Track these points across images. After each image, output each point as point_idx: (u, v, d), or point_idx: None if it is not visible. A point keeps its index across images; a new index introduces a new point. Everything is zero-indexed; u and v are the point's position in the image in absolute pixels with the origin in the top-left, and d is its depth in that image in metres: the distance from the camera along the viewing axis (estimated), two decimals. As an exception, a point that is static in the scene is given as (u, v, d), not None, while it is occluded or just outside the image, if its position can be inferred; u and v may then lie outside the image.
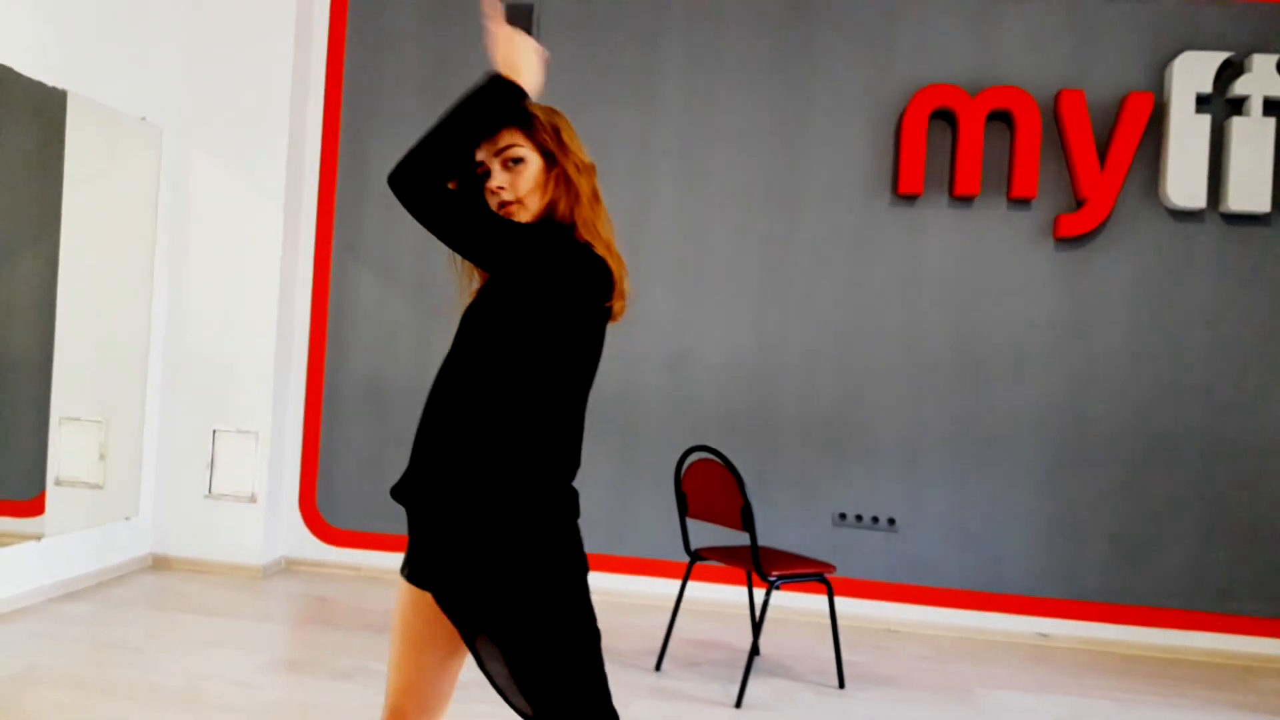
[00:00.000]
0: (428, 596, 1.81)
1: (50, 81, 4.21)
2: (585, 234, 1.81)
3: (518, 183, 1.79)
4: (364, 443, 5.11)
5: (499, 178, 1.79)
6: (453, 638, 1.85)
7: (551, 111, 1.85)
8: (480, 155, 1.80)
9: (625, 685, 3.71)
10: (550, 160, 1.80)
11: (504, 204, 1.80)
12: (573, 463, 1.85)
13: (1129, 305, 4.64)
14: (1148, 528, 4.60)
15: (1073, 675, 4.18)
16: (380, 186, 5.06)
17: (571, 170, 1.81)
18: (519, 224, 1.79)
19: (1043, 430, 4.63)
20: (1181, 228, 4.62)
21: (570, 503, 1.82)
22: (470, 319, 1.87)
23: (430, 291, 5.03)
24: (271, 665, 3.79)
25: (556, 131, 1.81)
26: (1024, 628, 4.63)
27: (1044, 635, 4.62)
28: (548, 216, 1.81)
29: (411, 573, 1.83)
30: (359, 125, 5.12)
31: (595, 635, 1.79)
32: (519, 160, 1.78)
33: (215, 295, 4.96)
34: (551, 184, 1.80)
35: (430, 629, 1.84)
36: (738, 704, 3.54)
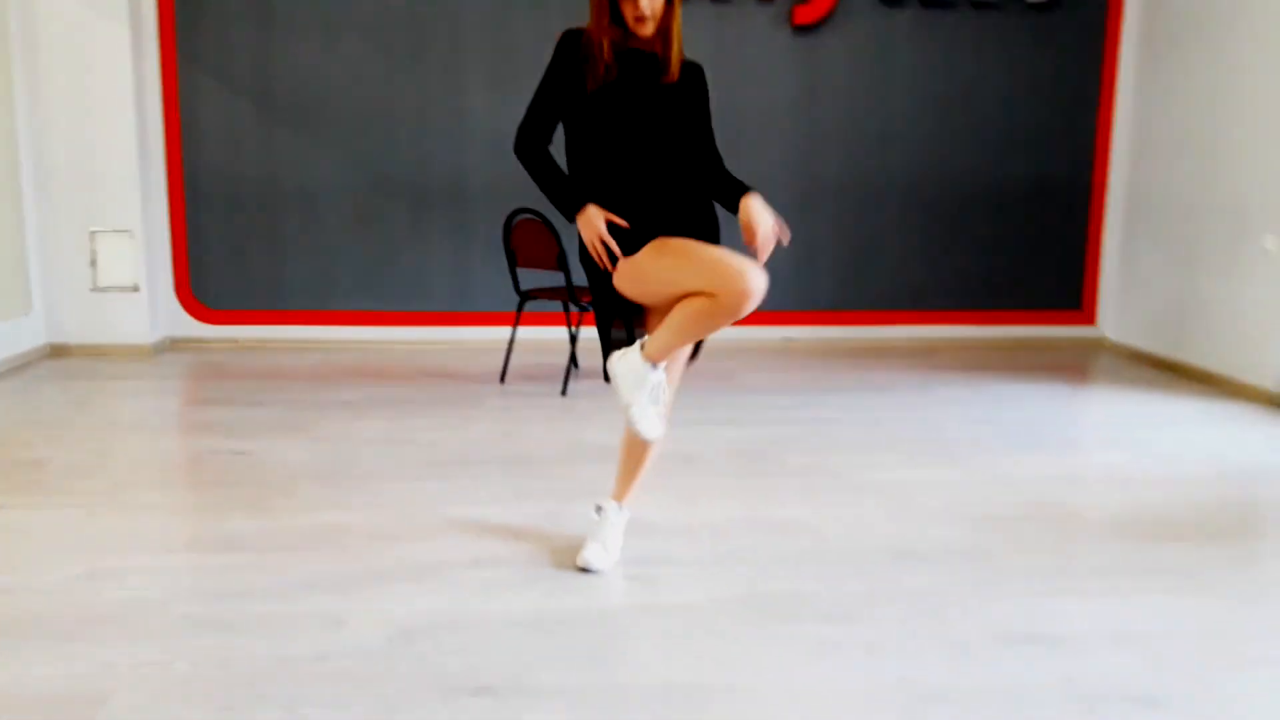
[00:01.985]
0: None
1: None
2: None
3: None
4: (226, 232, 5.88)
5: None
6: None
7: None
8: None
9: (477, 393, 4.91)
10: None
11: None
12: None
13: (849, 78, 5.89)
14: (864, 252, 6.05)
15: (811, 363, 5.66)
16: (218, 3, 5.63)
17: None
18: None
19: (786, 182, 5.93)
20: (889, 13, 5.84)
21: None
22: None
23: (270, 93, 5.72)
24: (183, 403, 4.75)
25: None
26: (774, 335, 6.08)
27: (789, 339, 6.09)
28: None
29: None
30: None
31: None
32: None
33: (74, 110, 5.49)
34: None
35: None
36: (563, 393, 4.81)
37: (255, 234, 5.89)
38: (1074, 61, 5.98)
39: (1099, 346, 6.21)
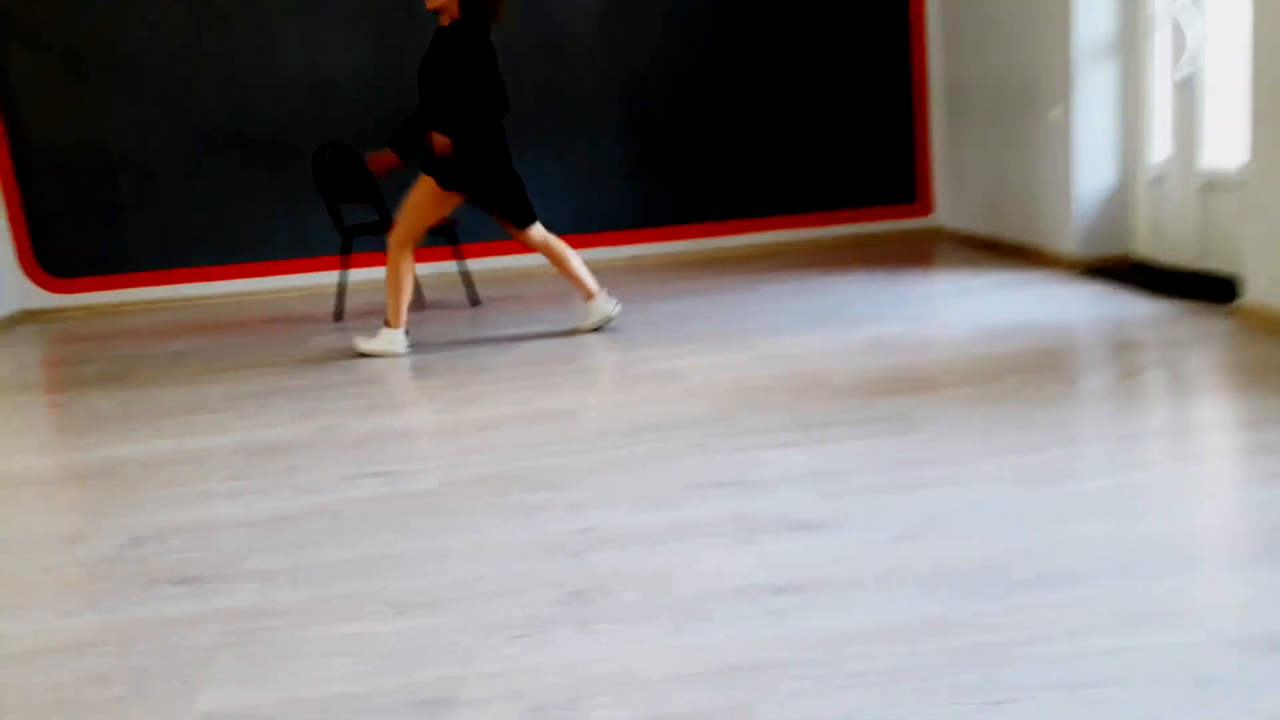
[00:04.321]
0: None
1: None
2: None
3: None
4: (62, 201, 5.89)
5: None
6: None
7: None
8: None
9: (309, 332, 5.00)
10: None
11: None
12: None
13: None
14: (697, 163, 6.16)
15: (651, 277, 5.79)
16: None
17: None
18: None
19: (606, 100, 6.00)
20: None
21: None
22: None
23: (80, 58, 5.71)
24: (13, 369, 4.81)
25: None
26: (622, 255, 6.20)
27: (636, 257, 6.21)
28: None
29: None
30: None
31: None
32: None
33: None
34: None
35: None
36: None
37: (91, 200, 5.90)
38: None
39: (936, 236, 6.38)
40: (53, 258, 5.94)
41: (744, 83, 6.08)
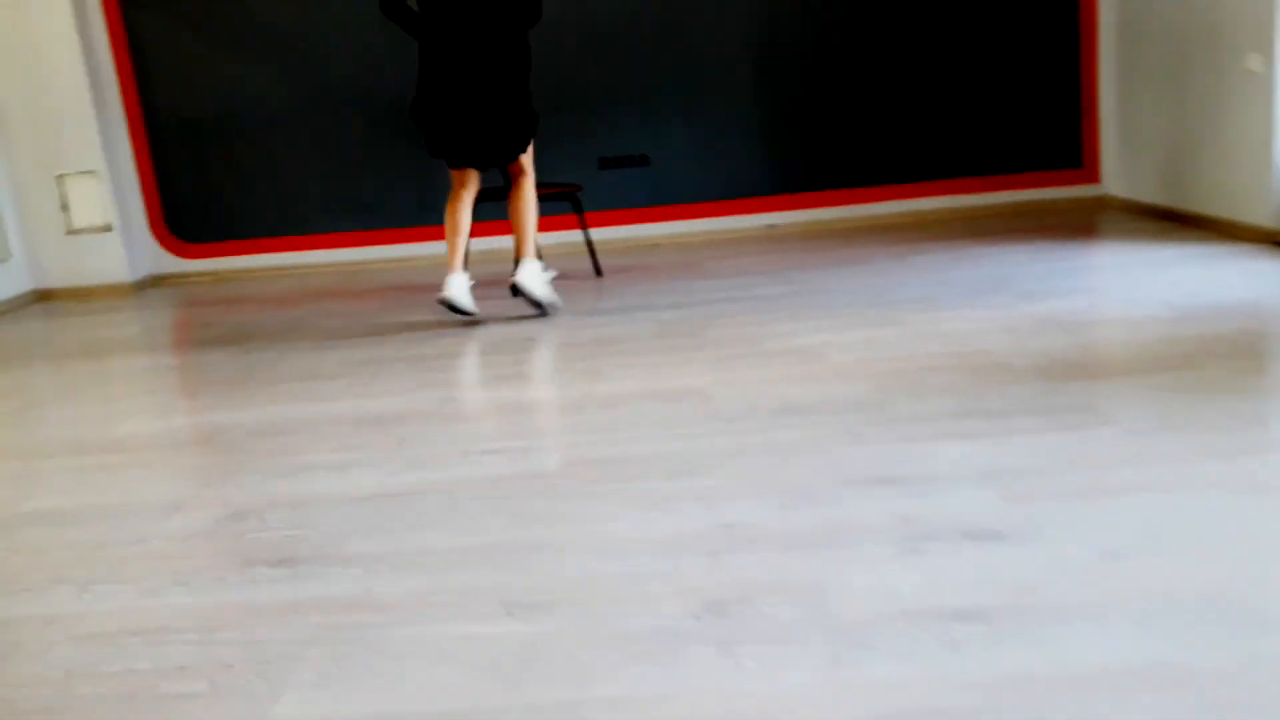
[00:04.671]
0: None
1: None
2: None
3: None
4: (192, 166, 5.87)
5: None
6: None
7: None
8: None
9: (425, 302, 4.81)
10: None
11: None
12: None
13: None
14: (842, 125, 5.72)
15: (791, 247, 5.41)
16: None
17: None
18: None
19: (743, 56, 5.61)
20: None
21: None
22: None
23: (211, 21, 5.65)
24: (139, 332, 4.78)
25: None
26: (756, 223, 5.82)
27: (772, 225, 5.83)
28: None
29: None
30: None
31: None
32: None
33: (22, 54, 5.50)
34: None
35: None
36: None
37: (220, 166, 5.86)
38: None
39: (1104, 205, 5.77)
40: (181, 223, 5.94)
41: (889, 35, 5.60)
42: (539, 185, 4.86)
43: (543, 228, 5.39)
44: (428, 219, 5.81)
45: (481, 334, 4.02)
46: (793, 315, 3.84)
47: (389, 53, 5.69)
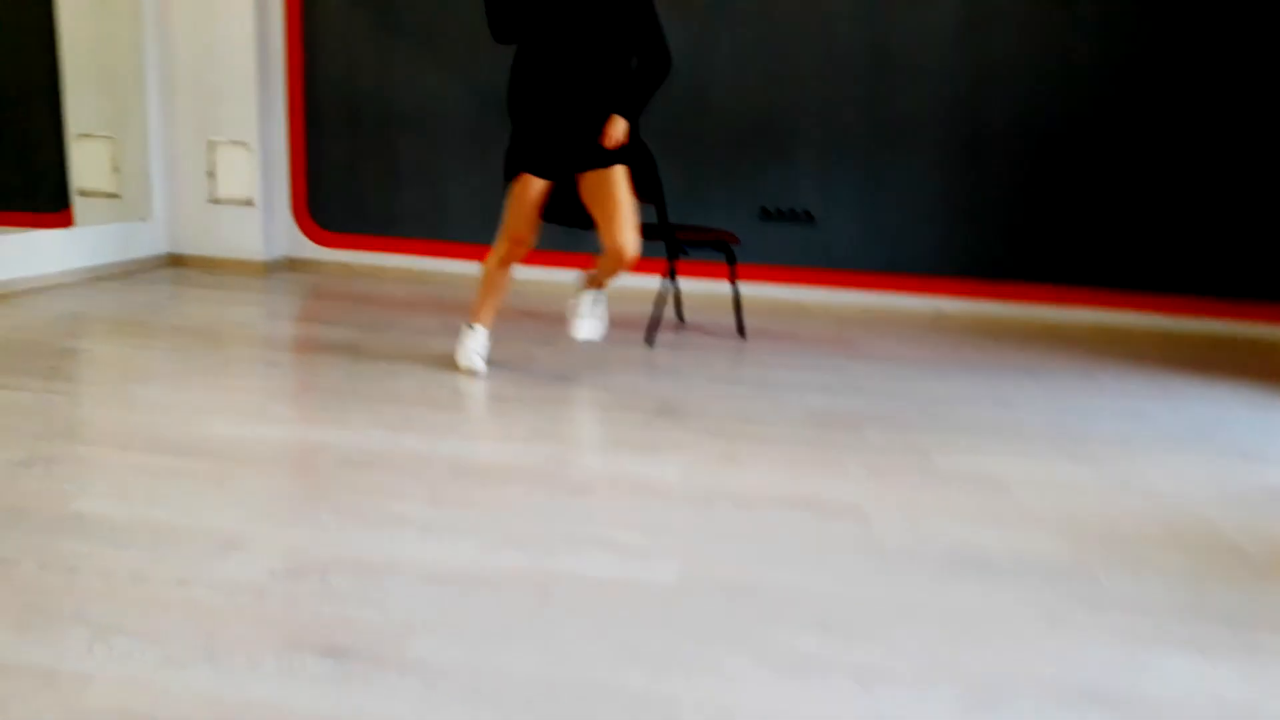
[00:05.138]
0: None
1: None
2: None
3: None
4: (343, 152, 5.69)
5: None
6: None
7: None
8: None
9: (553, 336, 4.44)
10: None
11: None
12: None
13: (1025, 5, 4.99)
14: (1039, 214, 5.14)
15: (960, 340, 4.85)
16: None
17: None
18: None
19: (943, 124, 5.10)
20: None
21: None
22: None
23: (393, 11, 5.47)
24: (262, 317, 4.55)
25: None
26: (923, 306, 5.28)
27: (941, 311, 5.28)
28: None
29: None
30: None
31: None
32: None
33: (197, 17, 5.42)
34: None
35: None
36: (648, 341, 4.28)
37: (371, 156, 5.66)
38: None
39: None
40: (323, 209, 5.76)
41: (1106, 120, 5.02)
42: (688, 229, 4.47)
43: (685, 271, 4.98)
44: (577, 244, 5.48)
45: (613, 384, 3.62)
46: (965, 427, 3.31)
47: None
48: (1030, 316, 5.22)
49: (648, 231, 4.40)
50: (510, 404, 3.31)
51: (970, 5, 5.01)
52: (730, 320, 4.75)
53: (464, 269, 5.63)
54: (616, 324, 4.58)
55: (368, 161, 5.66)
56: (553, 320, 4.67)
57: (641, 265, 5.22)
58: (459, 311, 4.81)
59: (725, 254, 4.53)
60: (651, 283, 5.06)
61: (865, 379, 3.91)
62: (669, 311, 4.90)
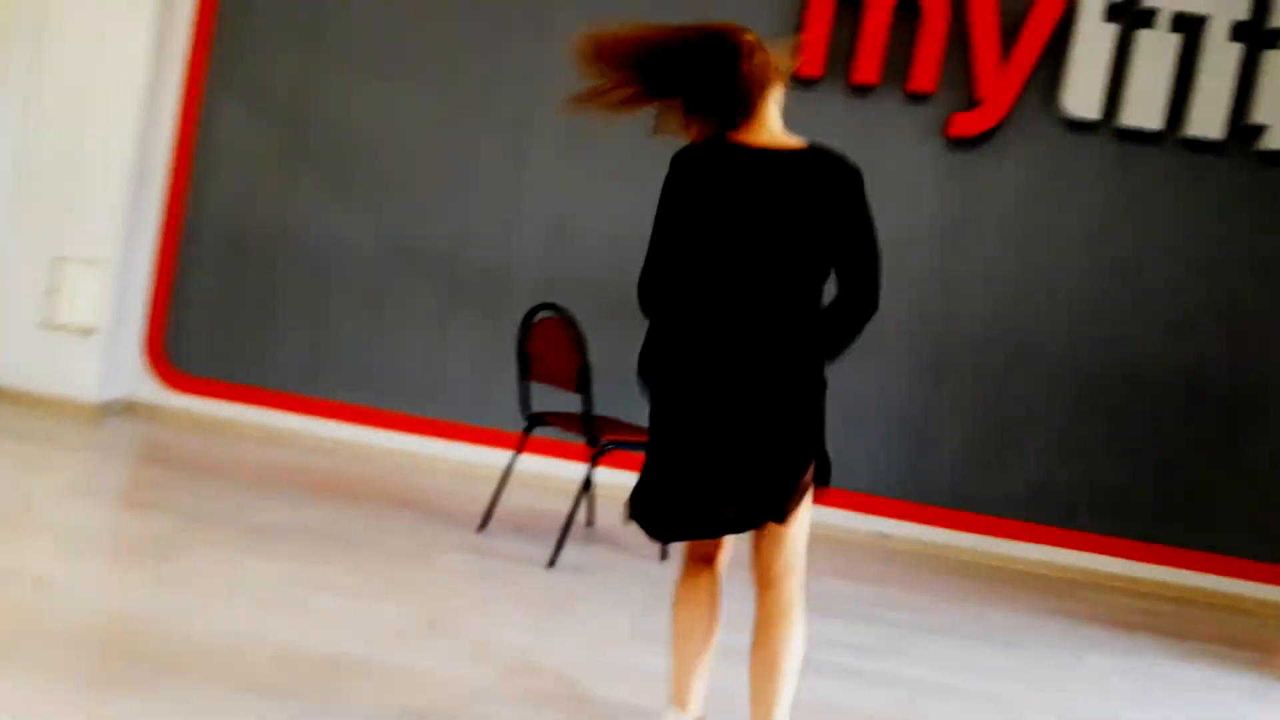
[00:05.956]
0: None
1: None
2: None
3: None
4: (221, 286, 4.86)
5: None
6: None
7: None
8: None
9: (439, 541, 3.61)
10: None
11: None
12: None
13: (1011, 213, 4.56)
14: (1002, 438, 4.58)
15: (911, 576, 4.17)
16: (263, 19, 4.74)
17: None
18: None
19: (908, 334, 4.55)
20: (1074, 138, 4.51)
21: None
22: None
23: (306, 134, 4.78)
24: (86, 493, 3.61)
25: None
26: (866, 526, 4.61)
27: (885, 535, 4.60)
28: None
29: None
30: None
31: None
32: None
33: (71, 108, 4.62)
34: None
35: None
36: (550, 563, 3.46)
37: (251, 292, 4.85)
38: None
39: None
40: (185, 347, 4.88)
41: (1083, 345, 4.54)
42: (618, 426, 3.71)
43: (543, 449, 4.20)
44: (481, 418, 4.70)
45: (493, 641, 2.79)
46: (924, 698, 2.56)
47: (485, 219, 4.75)
48: (988, 551, 4.57)
49: (570, 424, 3.68)
50: (353, 683, 2.44)
51: (956, 204, 4.55)
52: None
53: (342, 434, 4.77)
54: (513, 523, 3.78)
55: (245, 298, 4.84)
56: (440, 510, 3.83)
57: (555, 448, 4.47)
58: (325, 491, 3.94)
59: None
60: (565, 470, 4.31)
61: (813, 648, 3.16)
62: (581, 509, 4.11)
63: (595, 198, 4.71)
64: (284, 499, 3.80)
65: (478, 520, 3.82)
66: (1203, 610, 4.35)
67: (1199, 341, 4.50)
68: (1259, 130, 4.39)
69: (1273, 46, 4.37)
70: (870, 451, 4.60)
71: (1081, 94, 4.42)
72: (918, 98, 4.52)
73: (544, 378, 3.73)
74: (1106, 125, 4.47)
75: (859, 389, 4.55)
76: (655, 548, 3.80)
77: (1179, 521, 4.53)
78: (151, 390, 4.87)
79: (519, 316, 3.93)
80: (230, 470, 4.13)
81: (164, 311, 4.88)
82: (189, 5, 4.77)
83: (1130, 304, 4.52)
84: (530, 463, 4.19)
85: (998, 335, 4.56)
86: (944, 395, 4.59)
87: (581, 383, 3.50)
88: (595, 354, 3.60)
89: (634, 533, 3.85)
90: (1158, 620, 4.08)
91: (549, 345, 3.67)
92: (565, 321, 3.55)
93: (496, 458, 4.46)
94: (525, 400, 3.83)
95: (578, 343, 3.50)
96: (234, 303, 4.84)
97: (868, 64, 4.46)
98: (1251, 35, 4.38)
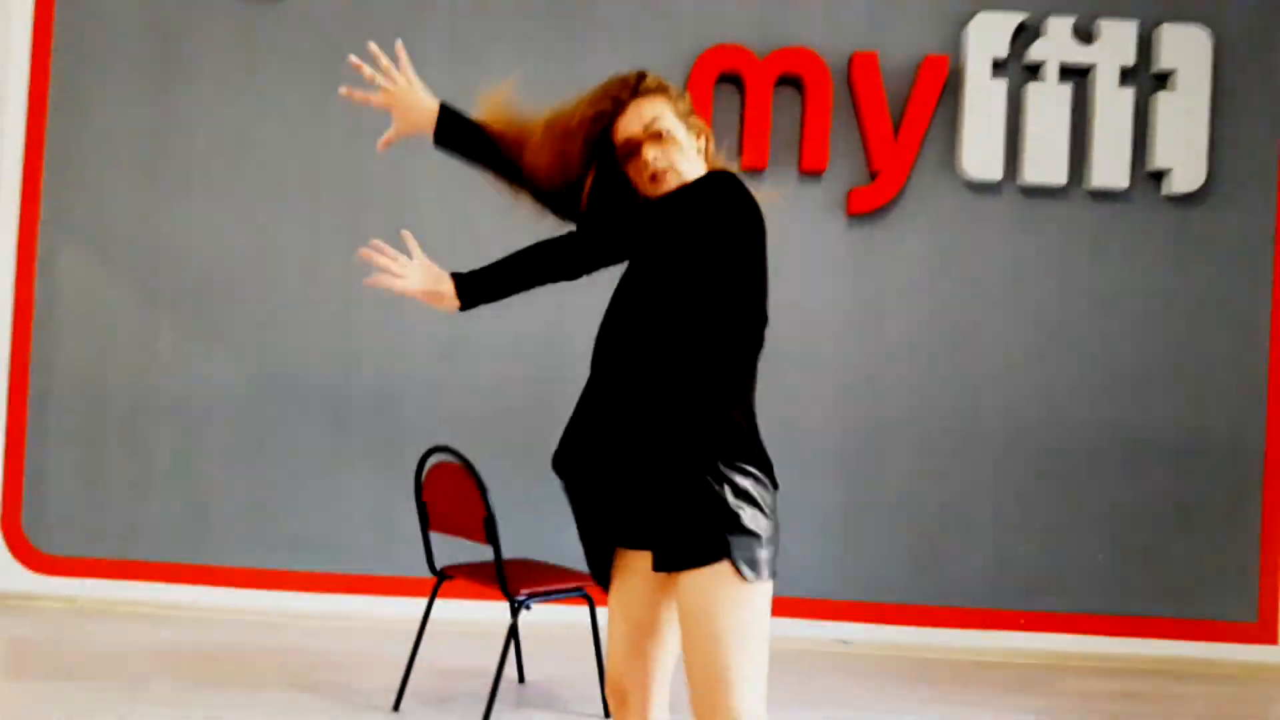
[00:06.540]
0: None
1: None
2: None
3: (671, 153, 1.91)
4: (80, 452, 4.37)
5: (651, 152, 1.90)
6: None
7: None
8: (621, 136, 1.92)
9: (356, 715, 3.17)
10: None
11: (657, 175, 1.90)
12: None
13: (923, 284, 4.36)
14: (946, 523, 4.32)
15: (875, 682, 3.84)
16: (97, 155, 4.35)
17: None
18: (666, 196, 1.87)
19: (835, 421, 4.30)
20: (978, 200, 4.35)
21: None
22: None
23: (158, 273, 4.36)
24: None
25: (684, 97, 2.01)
26: (825, 634, 4.28)
27: (846, 643, 4.28)
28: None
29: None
30: (71, 77, 4.37)
31: None
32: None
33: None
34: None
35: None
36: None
37: (115, 454, 4.37)
38: (1230, 274, 4.37)
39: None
40: (45, 526, 4.36)
41: (1015, 416, 4.34)
42: (538, 575, 3.31)
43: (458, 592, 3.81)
44: (392, 565, 4.27)
45: None
46: None
47: (368, 345, 4.38)
48: (943, 644, 4.29)
49: (477, 576, 3.30)
50: None
51: (865, 281, 4.34)
52: (589, 670, 3.58)
53: (233, 601, 4.29)
54: (430, 692, 3.35)
55: (109, 462, 4.36)
56: (345, 685, 3.37)
57: (473, 590, 4.04)
58: (221, 680, 3.46)
59: (588, 603, 3.40)
60: (487, 613, 3.91)
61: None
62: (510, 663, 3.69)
63: (486, 309, 4.36)
64: (168, 699, 3.31)
65: (392, 695, 3.38)
66: (1182, 682, 4.11)
67: (1140, 393, 4.32)
68: (1162, 174, 4.29)
69: (1163, 88, 4.30)
70: (816, 553, 4.29)
71: (979, 154, 4.28)
72: (812, 176, 4.33)
73: (446, 529, 3.34)
74: (1010, 183, 4.33)
75: (786, 491, 4.24)
76: (597, 705, 3.40)
77: (1144, 589, 4.31)
78: (14, 576, 4.33)
79: (415, 444, 3.54)
80: (106, 667, 3.62)
81: (19, 489, 4.36)
82: (16, 142, 4.35)
83: (1061, 361, 4.34)
84: (448, 610, 3.78)
85: (929, 410, 4.33)
86: (883, 483, 4.32)
87: (489, 533, 3.12)
88: (502, 475, 3.25)
89: (571, 688, 3.48)
90: (1139, 705, 3.82)
91: (446, 495, 3.29)
92: (462, 466, 3.18)
93: (409, 608, 4.04)
94: (429, 552, 3.43)
95: (478, 488, 3.13)
96: (97, 469, 4.35)
97: (755, 147, 4.25)
98: (1139, 79, 4.31)
